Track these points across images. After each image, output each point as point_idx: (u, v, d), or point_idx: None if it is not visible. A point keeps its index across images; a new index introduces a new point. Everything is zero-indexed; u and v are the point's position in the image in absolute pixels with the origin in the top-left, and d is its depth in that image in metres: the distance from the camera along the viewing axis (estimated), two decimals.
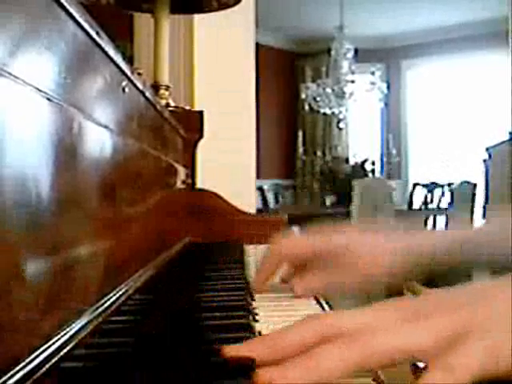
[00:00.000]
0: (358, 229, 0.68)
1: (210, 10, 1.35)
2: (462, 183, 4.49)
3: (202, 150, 1.32)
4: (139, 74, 0.84)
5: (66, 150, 0.41)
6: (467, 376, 0.30)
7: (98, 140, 0.50)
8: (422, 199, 4.78)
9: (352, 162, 5.44)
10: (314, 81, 5.32)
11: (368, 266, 0.63)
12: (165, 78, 1.22)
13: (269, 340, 0.34)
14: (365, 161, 5.21)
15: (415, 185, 4.94)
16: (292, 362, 0.31)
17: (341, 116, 5.34)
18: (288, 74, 6.64)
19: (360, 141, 6.59)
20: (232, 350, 0.34)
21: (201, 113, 1.30)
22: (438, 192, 4.78)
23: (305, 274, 0.64)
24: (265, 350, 0.33)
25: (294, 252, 0.65)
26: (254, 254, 1.06)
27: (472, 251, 0.65)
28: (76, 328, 0.40)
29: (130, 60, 1.86)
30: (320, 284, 0.63)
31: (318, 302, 0.62)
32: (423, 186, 4.85)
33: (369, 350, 0.31)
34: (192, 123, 1.25)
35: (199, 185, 1.32)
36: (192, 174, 1.27)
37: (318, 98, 5.13)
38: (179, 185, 1.10)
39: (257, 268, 0.68)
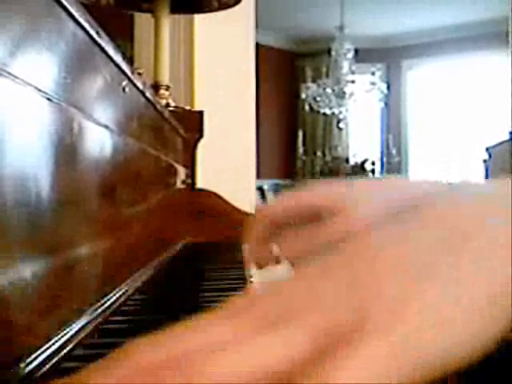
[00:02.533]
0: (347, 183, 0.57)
1: (210, 10, 1.35)
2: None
3: (202, 150, 1.32)
4: (139, 73, 0.84)
5: (66, 150, 0.41)
6: None
7: (98, 140, 0.50)
8: None
9: (352, 162, 5.44)
10: (314, 81, 5.32)
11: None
12: (165, 78, 1.22)
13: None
14: (365, 161, 5.22)
15: None
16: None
17: (341, 116, 5.34)
18: (288, 74, 6.64)
19: (360, 141, 6.59)
20: None
21: (201, 113, 1.30)
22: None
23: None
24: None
25: (285, 209, 0.55)
26: None
27: None
28: (76, 328, 0.40)
29: (130, 60, 1.86)
30: (308, 242, 0.51)
31: None
32: None
33: (193, 378, 0.18)
34: (192, 123, 1.25)
35: (199, 185, 1.32)
36: (192, 174, 1.27)
37: (318, 98, 5.13)
38: (179, 185, 1.10)
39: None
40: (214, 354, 0.19)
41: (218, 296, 0.61)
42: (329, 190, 0.53)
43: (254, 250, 0.54)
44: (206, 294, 0.63)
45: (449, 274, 0.20)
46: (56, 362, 0.35)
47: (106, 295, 0.50)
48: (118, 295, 0.53)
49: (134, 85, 0.65)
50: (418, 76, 6.59)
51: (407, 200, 0.42)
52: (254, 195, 2.32)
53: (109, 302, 0.49)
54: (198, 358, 0.19)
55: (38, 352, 0.34)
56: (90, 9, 0.46)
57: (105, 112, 0.53)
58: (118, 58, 0.55)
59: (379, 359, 0.18)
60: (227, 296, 0.61)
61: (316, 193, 0.53)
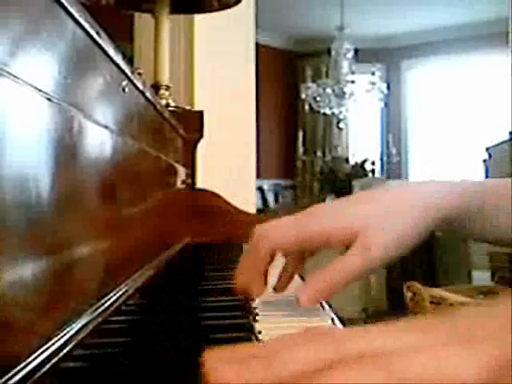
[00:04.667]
0: (355, 202, 0.55)
1: (210, 10, 1.35)
2: None
3: (202, 150, 1.32)
4: (139, 73, 0.84)
5: (66, 150, 0.41)
6: None
7: (98, 140, 0.50)
8: None
9: (352, 161, 5.44)
10: (314, 81, 5.32)
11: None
12: (165, 78, 1.22)
13: (261, 354, 0.25)
14: (365, 161, 5.21)
15: None
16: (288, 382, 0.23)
17: (341, 116, 5.34)
18: (288, 74, 6.64)
19: (360, 141, 6.59)
20: (216, 363, 0.24)
21: (201, 113, 1.30)
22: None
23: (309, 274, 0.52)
24: (257, 371, 0.24)
25: (287, 237, 0.52)
26: None
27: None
28: (76, 328, 0.40)
29: (130, 60, 1.86)
30: (340, 280, 0.51)
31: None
32: None
33: (398, 374, 0.22)
34: (192, 123, 1.25)
35: (199, 185, 1.32)
36: (192, 174, 1.27)
37: (318, 98, 5.13)
38: (179, 185, 1.10)
39: (239, 265, 0.55)
40: (412, 356, 0.23)
41: (218, 296, 0.61)
42: (337, 220, 0.53)
43: (241, 280, 0.53)
44: (206, 294, 0.63)
45: None
46: (56, 362, 0.35)
47: (105, 295, 0.50)
48: (118, 295, 0.53)
49: (134, 85, 0.65)
50: (418, 76, 6.59)
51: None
52: (253, 195, 2.32)
53: (109, 302, 0.49)
54: (397, 356, 0.23)
55: (38, 352, 0.34)
56: (90, 9, 0.46)
57: (105, 112, 0.53)
58: (118, 58, 0.55)
59: None
60: (227, 296, 0.61)
61: (325, 223, 0.52)
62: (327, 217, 0.54)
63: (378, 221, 0.52)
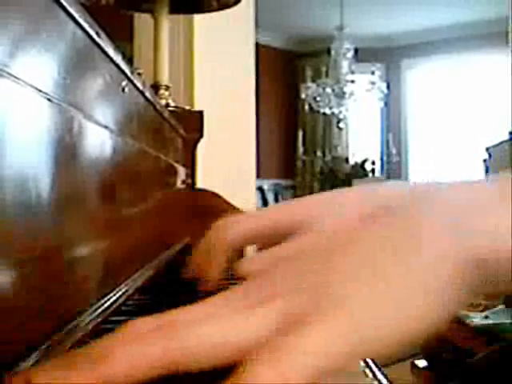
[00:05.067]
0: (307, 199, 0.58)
1: (210, 10, 1.35)
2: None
3: (202, 150, 1.32)
4: (139, 74, 0.84)
5: (66, 150, 0.41)
6: (305, 371, 0.21)
7: (98, 140, 0.50)
8: None
9: (352, 161, 5.44)
10: (314, 81, 5.32)
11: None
12: (165, 78, 1.22)
13: (72, 357, 0.24)
14: (365, 161, 5.22)
15: None
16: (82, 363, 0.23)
17: (341, 116, 5.34)
18: (288, 74, 6.64)
19: (360, 141, 6.59)
20: (38, 376, 0.23)
21: (201, 113, 1.30)
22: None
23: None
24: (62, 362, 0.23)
25: (245, 232, 0.51)
26: (253, 253, 1.06)
27: None
28: (76, 328, 0.40)
29: (129, 60, 1.86)
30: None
31: None
32: None
33: (179, 341, 0.23)
34: (192, 123, 1.25)
35: (199, 185, 1.32)
36: (192, 174, 1.27)
37: (318, 98, 5.13)
38: (179, 185, 1.10)
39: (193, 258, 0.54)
40: (195, 325, 0.23)
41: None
42: (290, 209, 0.54)
43: (207, 271, 0.53)
44: (205, 294, 0.63)
45: (384, 273, 0.23)
46: None
47: (106, 295, 0.50)
48: (118, 295, 0.53)
49: (134, 85, 0.65)
50: (418, 76, 6.60)
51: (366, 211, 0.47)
52: (253, 195, 2.32)
53: (109, 302, 0.49)
54: (181, 326, 0.23)
55: (38, 352, 0.34)
56: (90, 9, 0.46)
57: (105, 112, 0.53)
58: (117, 58, 0.55)
59: (331, 337, 0.21)
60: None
61: (277, 213, 0.53)
62: (274, 209, 0.54)
63: (324, 209, 0.52)
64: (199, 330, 0.23)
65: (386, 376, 0.36)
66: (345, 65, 5.02)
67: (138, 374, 0.22)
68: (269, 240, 0.55)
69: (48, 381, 0.22)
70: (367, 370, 0.37)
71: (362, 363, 0.38)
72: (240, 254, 0.67)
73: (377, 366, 0.46)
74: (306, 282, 0.24)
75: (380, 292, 0.22)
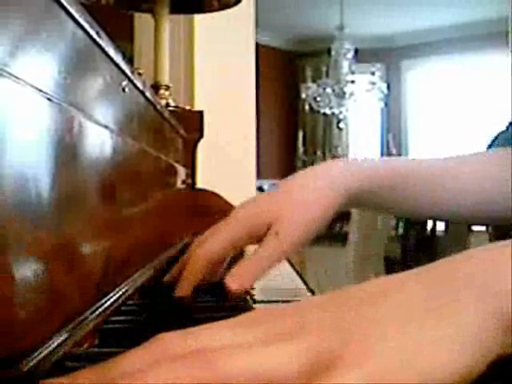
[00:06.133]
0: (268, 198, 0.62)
1: (210, 10, 1.35)
2: None
3: (202, 150, 1.32)
4: (139, 73, 0.84)
5: (66, 150, 0.41)
6: None
7: (98, 140, 0.50)
8: None
9: None
10: (314, 81, 5.32)
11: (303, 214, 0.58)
12: (165, 78, 1.22)
13: (100, 369, 0.26)
14: None
15: None
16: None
17: (341, 116, 5.35)
18: (288, 74, 6.64)
19: (360, 141, 6.59)
20: None
21: (201, 113, 1.30)
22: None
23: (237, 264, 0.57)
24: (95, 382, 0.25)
25: (216, 253, 0.58)
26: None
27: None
28: (76, 328, 0.40)
29: (130, 60, 1.86)
30: (258, 267, 0.57)
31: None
32: None
33: (214, 371, 0.23)
34: (192, 123, 1.25)
35: (199, 185, 1.32)
36: (192, 174, 1.27)
37: (318, 98, 5.13)
38: (179, 185, 1.10)
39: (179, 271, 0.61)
40: (228, 356, 0.24)
41: (218, 296, 0.61)
42: (259, 213, 0.59)
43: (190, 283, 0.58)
44: (205, 294, 0.63)
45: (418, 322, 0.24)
46: (56, 361, 0.35)
47: (105, 295, 0.50)
48: (118, 295, 0.53)
49: (134, 85, 0.65)
50: (418, 76, 6.60)
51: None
52: (254, 195, 2.32)
53: (109, 302, 0.49)
54: (213, 356, 0.24)
55: (38, 352, 0.34)
56: (90, 9, 0.46)
57: (105, 112, 0.53)
58: (118, 58, 0.55)
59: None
60: (226, 296, 0.61)
61: (247, 218, 0.59)
62: (244, 213, 0.60)
63: (287, 209, 0.58)
64: (233, 362, 0.24)
65: None
66: (345, 65, 5.03)
67: None
68: (247, 242, 0.61)
69: None
70: None
71: None
72: (240, 251, 0.69)
73: None
74: (339, 325, 0.25)
75: (407, 343, 0.23)
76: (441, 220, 0.75)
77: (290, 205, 0.58)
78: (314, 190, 0.60)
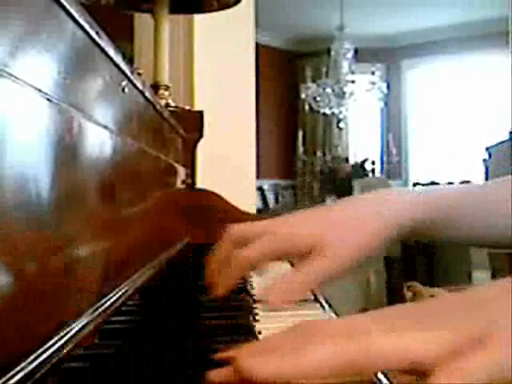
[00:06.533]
0: (320, 217, 0.60)
1: (210, 10, 1.35)
2: (461, 183, 4.50)
3: (202, 150, 1.32)
4: (139, 73, 0.84)
5: (66, 150, 0.41)
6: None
7: (98, 140, 0.50)
8: None
9: (352, 161, 5.44)
10: (314, 81, 5.32)
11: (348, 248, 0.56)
12: (165, 78, 1.22)
13: (257, 347, 0.32)
14: (365, 161, 5.22)
15: (415, 185, 4.95)
16: (277, 355, 0.29)
17: (341, 116, 5.35)
18: (288, 74, 6.64)
19: (360, 141, 6.59)
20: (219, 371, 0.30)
21: (201, 113, 1.30)
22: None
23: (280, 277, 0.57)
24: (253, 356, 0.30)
25: (255, 257, 0.57)
26: None
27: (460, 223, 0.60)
28: (76, 328, 0.40)
29: (130, 60, 1.86)
30: (305, 284, 0.56)
31: (316, 300, 0.61)
32: (423, 185, 4.85)
33: (364, 349, 0.28)
34: (192, 123, 1.25)
35: (199, 185, 1.32)
36: (192, 174, 1.27)
37: (318, 98, 5.13)
38: (179, 185, 1.10)
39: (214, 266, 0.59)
40: (379, 336, 0.29)
41: (217, 296, 0.61)
42: (305, 230, 0.57)
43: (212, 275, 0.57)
44: (205, 294, 0.63)
45: None
46: (56, 362, 0.35)
47: (105, 295, 0.50)
48: (117, 295, 0.53)
49: (134, 85, 0.65)
50: (418, 76, 6.60)
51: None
52: (254, 195, 2.32)
53: (109, 303, 0.49)
54: (368, 335, 0.29)
55: (38, 352, 0.34)
56: (90, 9, 0.46)
57: (104, 112, 0.53)
58: (117, 58, 0.55)
59: (499, 366, 0.27)
60: (226, 296, 0.61)
61: (292, 230, 0.57)
62: (293, 225, 0.59)
63: (337, 231, 0.57)
64: (380, 341, 0.29)
65: (386, 375, 0.36)
66: (345, 65, 5.02)
67: (326, 371, 0.28)
68: (284, 256, 0.60)
69: (249, 363, 0.29)
70: None
71: None
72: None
73: None
74: (480, 315, 0.29)
75: None
76: (500, 247, 0.70)
77: (338, 229, 0.57)
78: (363, 218, 0.58)
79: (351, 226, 0.57)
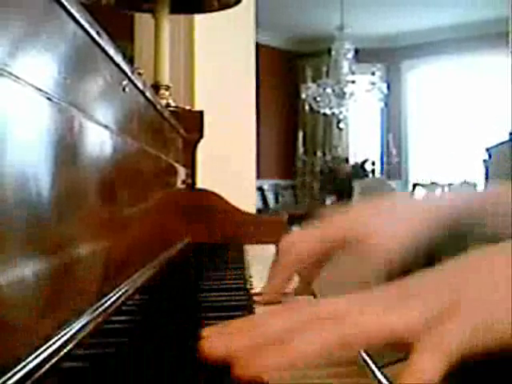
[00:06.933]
0: (364, 209, 0.62)
1: (210, 10, 1.35)
2: (461, 183, 4.50)
3: (202, 150, 1.32)
4: (139, 73, 0.84)
5: (67, 150, 0.41)
6: (455, 354, 0.30)
7: (98, 140, 0.50)
8: None
9: (352, 161, 5.44)
10: (314, 81, 5.32)
11: (388, 248, 0.57)
12: (165, 78, 1.22)
13: (247, 326, 0.34)
14: (365, 161, 5.22)
15: (415, 185, 4.95)
16: (267, 348, 0.31)
17: (341, 116, 5.34)
18: (288, 74, 6.64)
19: (360, 141, 6.59)
20: (210, 337, 0.33)
21: (201, 113, 1.30)
22: (438, 192, 4.78)
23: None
24: (242, 339, 0.32)
25: (306, 249, 0.59)
26: (253, 254, 1.06)
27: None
28: (76, 328, 0.40)
29: (130, 60, 1.85)
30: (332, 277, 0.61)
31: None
32: (423, 186, 4.85)
33: (351, 329, 0.31)
34: (192, 123, 1.25)
35: (199, 185, 1.32)
36: (192, 174, 1.27)
37: (318, 98, 5.13)
38: (179, 185, 1.10)
39: (268, 276, 0.60)
40: (359, 315, 0.32)
41: (218, 296, 0.61)
42: (349, 222, 0.59)
43: (274, 288, 0.59)
44: (205, 294, 0.63)
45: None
46: (56, 362, 0.35)
47: (106, 295, 0.50)
48: (118, 295, 0.53)
49: (134, 85, 0.65)
50: (418, 76, 6.60)
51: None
52: (254, 195, 2.32)
53: (109, 302, 0.49)
54: (349, 316, 0.32)
55: (38, 352, 0.34)
56: (90, 9, 0.46)
57: (105, 112, 0.53)
58: (118, 58, 0.55)
59: (470, 330, 0.30)
60: (227, 296, 0.61)
61: (338, 226, 0.59)
62: (342, 223, 0.60)
63: (384, 226, 0.58)
64: (364, 319, 0.31)
65: (385, 376, 0.36)
66: (345, 65, 5.03)
67: (317, 356, 0.30)
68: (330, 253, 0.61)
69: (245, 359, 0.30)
70: (367, 370, 0.37)
71: (362, 362, 0.38)
72: None
73: (376, 366, 0.46)
74: (446, 289, 0.32)
75: (500, 300, 0.31)
76: None
77: (388, 220, 0.59)
78: (409, 211, 0.60)
79: (396, 222, 0.58)
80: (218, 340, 0.32)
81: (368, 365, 0.40)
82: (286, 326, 0.32)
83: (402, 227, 0.58)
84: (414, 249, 0.57)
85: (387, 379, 0.36)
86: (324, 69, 5.43)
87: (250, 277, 0.73)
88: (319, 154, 6.43)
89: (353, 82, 5.03)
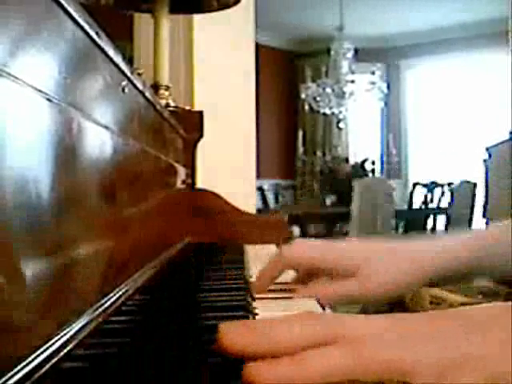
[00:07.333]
0: (367, 245, 0.67)
1: (210, 10, 1.35)
2: (461, 183, 4.50)
3: (202, 150, 1.32)
4: (139, 74, 0.84)
5: (66, 151, 0.41)
6: None
7: (98, 140, 0.50)
8: (422, 199, 4.78)
9: (352, 161, 5.44)
10: (313, 81, 5.31)
11: (381, 284, 0.63)
12: (164, 78, 1.22)
13: (262, 329, 0.33)
14: (365, 161, 5.21)
15: (415, 184, 4.94)
16: (284, 360, 0.31)
17: (341, 116, 5.34)
18: (288, 74, 6.64)
19: (360, 141, 6.59)
20: (229, 332, 0.33)
21: (201, 113, 1.30)
22: (438, 192, 4.78)
23: (311, 280, 0.66)
24: (257, 343, 0.33)
25: (302, 257, 0.65)
26: (254, 254, 1.06)
27: (479, 262, 0.65)
28: (76, 328, 0.40)
29: (129, 60, 1.85)
30: (326, 292, 0.63)
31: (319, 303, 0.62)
32: (423, 185, 4.85)
33: (366, 360, 0.32)
34: (192, 123, 1.25)
35: (199, 185, 1.32)
36: (192, 174, 1.27)
37: (318, 98, 5.13)
38: (179, 185, 1.10)
39: (260, 270, 0.67)
40: (381, 348, 0.32)
41: (218, 296, 0.61)
42: (347, 252, 0.64)
43: (262, 282, 0.65)
44: (205, 294, 0.63)
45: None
46: (56, 362, 0.35)
47: (106, 295, 0.50)
48: (118, 295, 0.53)
49: (134, 85, 0.65)
50: (418, 76, 6.60)
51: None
52: (254, 195, 2.32)
53: (109, 302, 0.49)
54: (367, 341, 0.32)
55: (38, 352, 0.34)
56: (90, 9, 0.46)
57: (105, 112, 0.53)
58: (117, 59, 0.55)
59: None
60: (227, 296, 0.61)
61: (338, 252, 0.65)
62: (337, 250, 0.65)
63: (378, 263, 0.63)
64: (381, 354, 0.32)
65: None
66: (345, 65, 5.02)
67: (330, 379, 0.31)
68: (318, 270, 0.65)
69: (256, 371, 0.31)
70: None
71: None
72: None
73: None
74: (458, 348, 0.33)
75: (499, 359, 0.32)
76: None
77: (383, 259, 0.63)
78: (404, 258, 0.64)
79: (390, 263, 0.63)
80: (238, 336, 0.33)
81: None
82: (306, 338, 0.33)
83: (395, 269, 0.62)
84: (401, 289, 0.63)
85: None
86: (323, 69, 5.43)
87: (250, 277, 0.73)
88: (319, 153, 6.43)
89: (352, 81, 5.03)
